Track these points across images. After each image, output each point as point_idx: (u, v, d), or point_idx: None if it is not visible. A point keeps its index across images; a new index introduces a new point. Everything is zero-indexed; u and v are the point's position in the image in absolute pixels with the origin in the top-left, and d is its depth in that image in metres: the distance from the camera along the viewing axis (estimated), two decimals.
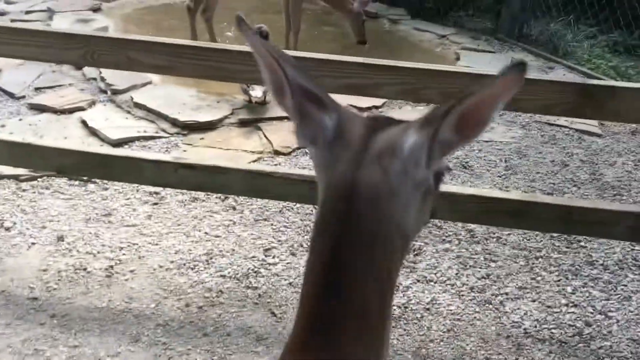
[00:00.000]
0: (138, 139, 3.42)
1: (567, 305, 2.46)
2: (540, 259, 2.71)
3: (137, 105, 3.70)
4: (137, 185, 2.98)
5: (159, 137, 3.45)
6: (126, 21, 5.59)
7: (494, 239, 2.82)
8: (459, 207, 2.17)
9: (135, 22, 5.65)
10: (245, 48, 2.09)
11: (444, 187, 2.04)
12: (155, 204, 2.95)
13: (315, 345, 0.75)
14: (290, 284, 2.51)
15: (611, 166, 3.52)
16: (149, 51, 2.04)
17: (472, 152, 3.57)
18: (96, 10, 5.72)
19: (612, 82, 1.96)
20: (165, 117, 3.57)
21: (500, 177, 3.36)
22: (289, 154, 3.40)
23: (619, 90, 1.91)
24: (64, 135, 3.46)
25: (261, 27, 3.76)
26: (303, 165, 3.29)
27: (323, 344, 0.75)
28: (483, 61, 4.94)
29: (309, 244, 0.83)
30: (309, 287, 0.78)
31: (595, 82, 1.98)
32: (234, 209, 2.94)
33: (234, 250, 2.67)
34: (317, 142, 0.81)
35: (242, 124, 3.65)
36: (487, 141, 3.67)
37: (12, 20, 5.03)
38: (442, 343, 2.26)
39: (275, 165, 3.25)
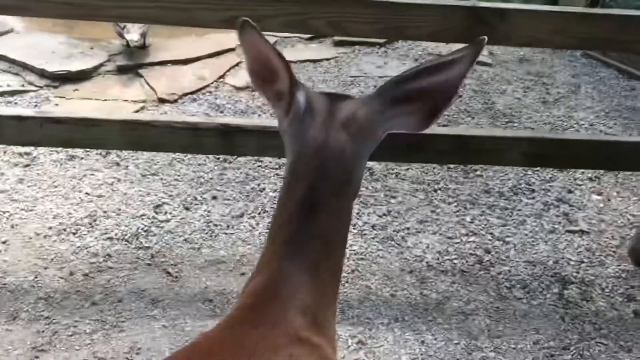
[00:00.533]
0: (1, 94, 3.05)
1: (466, 234, 2.48)
2: (438, 192, 2.71)
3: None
4: (3, 146, 2.66)
5: (26, 92, 3.09)
6: None
7: (393, 175, 2.78)
8: None
9: None
10: None
11: None
12: (27, 165, 2.65)
13: (292, 256, 0.94)
14: (185, 240, 2.35)
15: (502, 94, 3.57)
16: None
17: (368, 89, 3.50)
18: None
19: (502, 5, 1.87)
20: (31, 69, 3.20)
21: None
22: (175, 101, 3.17)
23: (510, 12, 1.84)
24: None
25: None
26: (192, 113, 3.08)
27: (298, 256, 0.94)
28: None
29: (280, 191, 1.01)
30: (283, 220, 0.97)
31: (485, 4, 1.89)
32: (118, 164, 2.70)
33: (120, 209, 2.46)
34: (290, 114, 0.98)
35: (121, 71, 3.34)
36: (381, 77, 3.60)
37: None
38: (347, 284, 2.21)
39: (162, 114, 3.01)
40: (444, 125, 3.20)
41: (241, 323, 0.90)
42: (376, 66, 3.70)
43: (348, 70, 3.64)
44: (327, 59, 3.70)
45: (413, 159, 2.24)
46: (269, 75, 0.97)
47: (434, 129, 2.51)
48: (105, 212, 2.44)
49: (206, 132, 1.99)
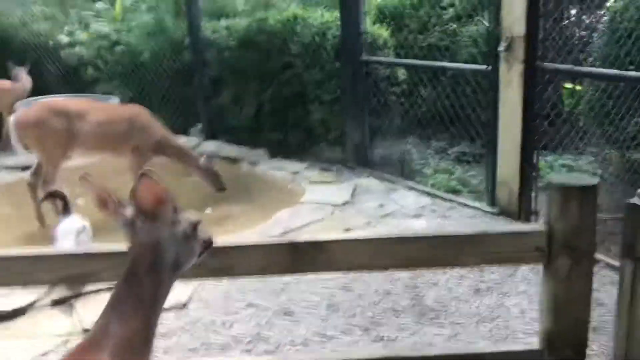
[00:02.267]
0: None
1: None
2: None
3: None
4: None
5: None
6: None
7: None
8: None
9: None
10: None
11: None
12: None
13: (110, 313, 1.34)
14: None
15: (434, 285, 3.56)
16: None
17: (297, 294, 3.54)
18: None
19: (320, 237, 1.97)
20: None
21: (322, 319, 3.31)
22: None
23: (326, 244, 1.94)
24: None
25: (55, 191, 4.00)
26: None
27: (114, 312, 1.34)
28: (327, 192, 5.07)
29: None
30: (117, 285, 1.40)
31: (304, 239, 1.99)
32: None
33: None
34: (125, 225, 1.43)
35: (57, 303, 3.49)
36: (313, 280, 3.65)
37: None
38: None
39: None
40: (364, 329, 3.17)
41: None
42: None
43: None
44: None
45: None
46: (103, 203, 1.47)
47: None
48: None
49: None
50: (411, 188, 5.14)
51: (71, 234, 3.69)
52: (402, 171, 5.64)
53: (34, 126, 4.75)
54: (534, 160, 4.32)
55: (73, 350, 1.34)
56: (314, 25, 5.98)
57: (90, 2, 9.22)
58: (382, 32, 5.97)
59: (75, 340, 3.14)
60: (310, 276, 3.68)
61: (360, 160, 5.76)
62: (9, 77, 7.91)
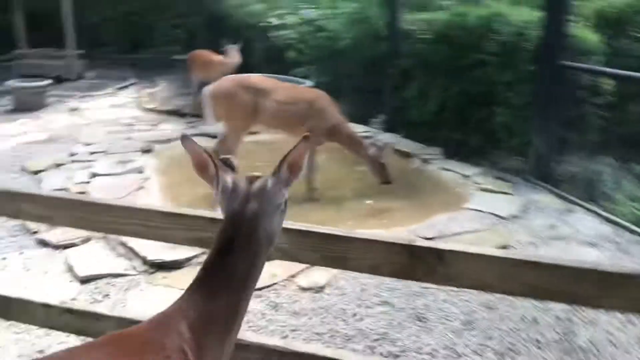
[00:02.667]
0: (106, 276, 3.61)
1: None
2: None
3: (122, 243, 3.95)
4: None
5: (125, 275, 3.62)
6: (168, 163, 6.07)
7: None
8: None
9: (176, 163, 6.14)
10: (118, 204, 2.25)
11: None
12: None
13: (199, 286, 1.35)
14: None
15: (591, 324, 3.13)
16: (32, 202, 2.24)
17: (435, 302, 3.36)
18: (147, 151, 6.34)
19: (441, 245, 1.81)
20: (137, 255, 3.77)
21: (455, 333, 3.10)
22: None
23: (447, 254, 1.77)
24: (46, 270, 3.75)
25: (227, 159, 4.02)
26: (250, 310, 3.26)
27: (204, 286, 1.34)
28: (494, 202, 4.74)
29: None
30: (206, 261, 1.38)
31: (422, 243, 1.83)
32: None
33: None
34: (224, 192, 1.42)
35: None
36: (457, 291, 3.44)
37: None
38: None
39: None
40: (499, 354, 2.91)
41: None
42: None
43: None
44: None
45: None
46: (202, 167, 1.45)
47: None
48: None
49: None
50: (593, 212, 4.59)
51: None
52: (587, 192, 5.06)
53: (224, 98, 5.13)
54: None
55: (156, 316, 1.34)
56: (514, 23, 5.59)
57: None
58: (591, 37, 5.38)
59: None
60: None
61: (541, 174, 5.29)
62: (222, 53, 8.67)
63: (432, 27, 6.64)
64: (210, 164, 1.44)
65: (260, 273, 1.44)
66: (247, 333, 2.25)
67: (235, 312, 1.36)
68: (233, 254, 1.36)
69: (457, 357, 2.92)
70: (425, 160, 6.12)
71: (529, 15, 5.60)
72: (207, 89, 5.27)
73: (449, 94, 6.31)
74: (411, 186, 5.61)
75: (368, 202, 5.20)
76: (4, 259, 3.96)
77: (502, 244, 3.94)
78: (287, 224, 1.89)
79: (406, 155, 6.36)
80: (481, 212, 4.54)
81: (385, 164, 5.36)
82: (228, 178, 1.43)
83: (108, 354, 1.19)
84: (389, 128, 7.40)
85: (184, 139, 1.46)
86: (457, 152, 6.13)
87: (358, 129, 7.39)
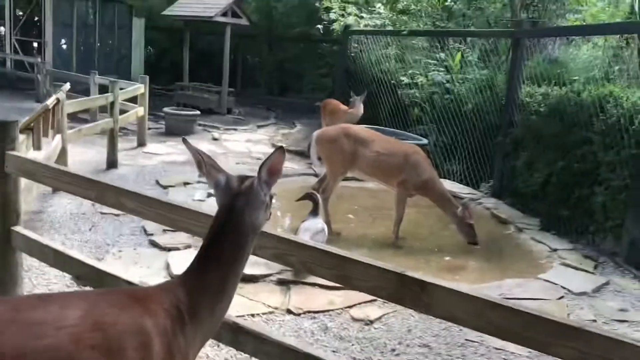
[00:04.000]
0: None
1: None
2: None
3: None
4: None
5: None
6: (278, 194, 6.70)
7: None
8: None
9: (284, 195, 6.75)
10: (194, 208, 2.81)
11: None
12: None
13: (192, 269, 1.71)
14: None
15: None
16: (128, 198, 2.87)
17: (475, 355, 3.53)
18: None
19: (425, 277, 2.12)
20: None
21: None
22: (299, 315, 3.82)
23: (429, 285, 2.08)
24: (150, 265, 4.44)
25: (312, 194, 4.58)
26: (302, 328, 3.67)
27: (195, 270, 1.70)
28: (571, 278, 4.74)
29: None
30: (205, 239, 1.75)
31: (410, 273, 2.15)
32: None
33: None
34: (217, 188, 1.78)
35: (280, 282, 4.21)
36: (497, 349, 3.59)
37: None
38: None
39: (277, 322, 3.70)
40: None
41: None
42: None
43: None
44: None
45: None
46: (199, 164, 1.80)
47: None
48: None
49: None
50: None
51: (309, 231, 4.39)
52: None
53: (327, 142, 5.68)
54: None
55: (163, 282, 1.80)
56: (623, 105, 5.60)
57: (435, 51, 10.13)
58: None
59: (277, 314, 3.79)
60: (497, 344, 3.64)
61: (633, 260, 5.16)
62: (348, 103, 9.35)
63: (547, 100, 6.75)
64: (202, 163, 1.80)
65: (246, 256, 1.78)
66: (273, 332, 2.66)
67: (223, 285, 1.73)
68: (223, 237, 1.70)
69: None
70: (520, 229, 6.18)
71: None
72: (315, 134, 5.86)
73: (555, 168, 6.34)
74: (497, 250, 5.73)
75: (447, 258, 5.40)
76: (120, 251, 4.74)
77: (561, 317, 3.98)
78: (310, 243, 2.32)
79: (503, 221, 6.46)
80: (553, 284, 4.58)
81: (472, 224, 5.54)
82: (221, 177, 1.77)
83: (122, 298, 1.63)
84: (495, 194, 7.51)
85: (184, 141, 1.89)
86: (554, 225, 6.13)
87: (466, 190, 7.62)
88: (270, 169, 1.75)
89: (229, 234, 1.72)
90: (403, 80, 9.98)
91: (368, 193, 7.24)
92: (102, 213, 5.58)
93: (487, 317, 1.99)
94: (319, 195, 4.81)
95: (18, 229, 3.38)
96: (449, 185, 7.72)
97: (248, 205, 1.73)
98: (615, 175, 5.51)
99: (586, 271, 4.97)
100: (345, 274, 2.29)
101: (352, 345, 3.55)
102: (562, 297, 4.36)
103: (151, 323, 1.55)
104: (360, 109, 8.99)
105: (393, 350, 3.54)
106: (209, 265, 1.71)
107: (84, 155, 8.12)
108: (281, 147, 1.78)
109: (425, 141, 8.45)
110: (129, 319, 1.53)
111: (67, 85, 6.65)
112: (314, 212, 4.62)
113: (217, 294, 1.73)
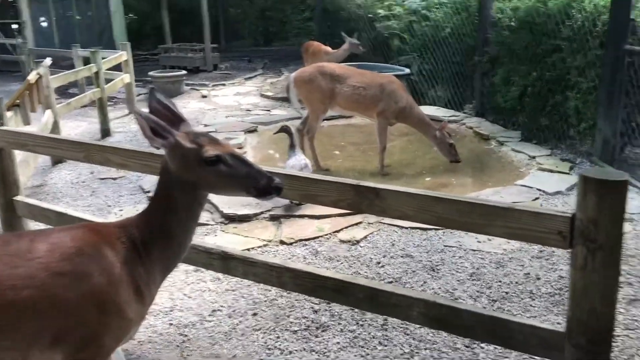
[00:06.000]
0: None
1: None
2: None
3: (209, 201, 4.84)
4: None
5: (206, 225, 4.48)
6: (266, 140, 6.95)
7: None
8: (299, 282, 2.71)
9: (274, 140, 6.99)
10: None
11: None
12: None
13: (140, 215, 1.96)
14: None
15: None
16: (112, 153, 3.12)
17: (452, 257, 3.84)
18: (251, 131, 7.29)
19: (378, 185, 2.38)
20: (217, 209, 4.63)
21: (459, 281, 3.58)
22: (291, 244, 4.13)
23: (381, 191, 2.34)
24: None
25: (286, 126, 4.84)
26: (295, 254, 3.98)
27: (143, 214, 1.97)
28: (547, 180, 5.01)
29: None
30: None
31: (364, 183, 2.41)
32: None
33: None
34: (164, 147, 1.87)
35: (272, 218, 4.50)
36: (474, 250, 3.89)
37: None
38: None
39: (271, 252, 4.01)
40: (492, 300, 3.35)
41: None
42: None
43: None
44: None
45: (336, 299, 2.69)
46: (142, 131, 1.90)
47: (356, 278, 2.84)
48: None
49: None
50: None
51: (294, 169, 4.64)
52: None
53: (304, 83, 5.87)
54: None
55: (120, 220, 2.02)
56: (586, 9, 5.72)
57: None
58: None
59: (271, 246, 4.10)
60: (473, 246, 3.94)
61: (607, 157, 5.41)
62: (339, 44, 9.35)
63: (516, 14, 6.86)
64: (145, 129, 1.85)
65: (183, 203, 1.90)
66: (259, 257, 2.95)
67: (166, 226, 1.91)
68: (158, 189, 1.94)
69: (454, 298, 3.40)
70: (501, 143, 6.42)
71: (602, 1, 5.68)
72: (291, 76, 6.04)
73: (530, 80, 6.52)
74: (479, 165, 5.98)
75: (427, 178, 5.68)
76: (121, 210, 5.03)
77: None
78: (283, 170, 2.59)
79: (486, 138, 6.69)
80: (529, 187, 4.85)
81: (452, 143, 5.78)
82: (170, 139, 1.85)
83: (84, 231, 1.89)
84: (478, 113, 7.72)
85: (135, 112, 2.02)
86: (533, 135, 6.36)
87: (450, 113, 7.83)
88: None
89: (159, 182, 1.95)
90: (380, 13, 10.03)
91: (355, 129, 7.46)
92: (100, 179, 5.85)
93: (432, 210, 2.26)
94: (292, 128, 5.05)
95: (19, 197, 3.65)
96: (434, 110, 7.95)
97: (172, 164, 1.89)
98: (584, 78, 5.69)
99: (562, 173, 5.23)
100: (309, 192, 2.56)
101: (341, 263, 3.86)
102: (537, 199, 4.64)
103: (112, 252, 1.84)
104: (345, 50, 9.07)
105: (378, 263, 3.85)
106: (153, 210, 1.95)
107: (78, 129, 8.36)
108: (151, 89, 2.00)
109: (406, 71, 8.61)
110: (91, 248, 1.82)
111: (48, 60, 6.79)
112: (292, 146, 4.88)
113: (163, 235, 1.92)
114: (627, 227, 4.18)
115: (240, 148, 6.50)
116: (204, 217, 4.62)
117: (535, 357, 2.46)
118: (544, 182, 4.97)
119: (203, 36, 13.76)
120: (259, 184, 1.86)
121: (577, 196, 1.96)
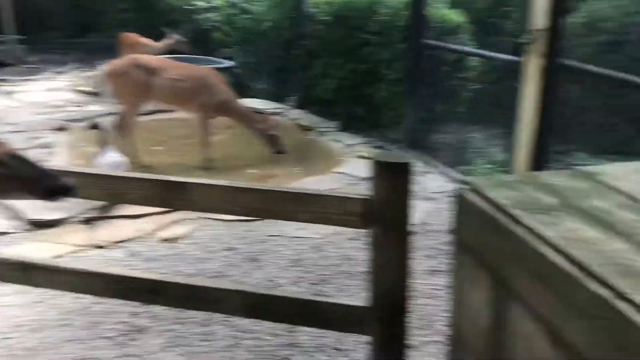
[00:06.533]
0: None
1: None
2: None
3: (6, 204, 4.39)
4: None
5: (7, 234, 4.07)
6: (79, 138, 6.49)
7: None
8: (111, 286, 2.57)
9: (87, 138, 6.54)
10: None
11: None
12: None
13: None
14: None
15: None
16: None
17: (274, 246, 3.91)
18: (61, 129, 6.78)
19: (184, 179, 2.33)
20: (21, 216, 4.23)
21: (280, 269, 3.66)
22: (107, 247, 3.91)
23: (188, 185, 2.30)
24: None
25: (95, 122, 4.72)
26: (111, 257, 3.78)
27: None
28: (359, 167, 5.31)
29: None
30: None
31: (171, 178, 2.36)
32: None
33: None
34: None
35: (87, 221, 4.23)
36: (294, 237, 4.01)
37: None
38: None
39: (85, 258, 3.76)
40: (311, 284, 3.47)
41: None
42: None
43: None
44: None
45: (150, 301, 2.63)
46: None
47: (171, 277, 2.81)
48: None
49: None
50: (444, 174, 5.18)
51: (108, 167, 4.41)
52: (453, 158, 5.66)
53: (117, 76, 5.59)
54: None
55: None
56: (391, 5, 6.13)
57: None
58: (453, 17, 5.95)
59: (85, 251, 3.84)
60: (292, 233, 4.05)
61: (414, 143, 5.87)
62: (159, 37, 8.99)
63: (331, 9, 7.14)
64: None
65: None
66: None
67: None
68: None
69: (277, 286, 3.47)
70: (321, 133, 6.66)
71: None
72: (103, 69, 5.72)
73: (345, 72, 6.84)
74: (302, 156, 6.16)
75: (252, 171, 5.73)
76: None
77: None
78: (77, 169, 2.41)
79: (307, 129, 6.90)
80: (346, 174, 5.11)
81: (276, 135, 5.87)
82: None
83: None
84: (300, 105, 7.92)
85: None
86: (350, 125, 6.69)
87: (272, 106, 7.93)
88: None
89: None
90: (198, 5, 9.86)
91: (178, 123, 7.24)
92: None
93: (240, 201, 2.26)
94: (105, 124, 4.80)
95: None
96: (258, 103, 8.00)
97: None
98: (391, 70, 6.11)
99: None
100: (117, 191, 2.43)
101: (159, 262, 3.74)
102: (349, 184, 4.90)
103: None
104: (167, 44, 8.79)
105: (199, 258, 3.79)
106: None
107: None
108: None
109: (228, 64, 8.56)
110: None
111: None
112: (104, 143, 4.64)
113: None
114: (429, 205, 4.56)
115: (48, 148, 6.01)
116: (2, 225, 4.20)
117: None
118: (357, 168, 5.24)
119: (2, 27, 12.49)
120: (44, 185, 1.72)
121: (372, 178, 2.09)
